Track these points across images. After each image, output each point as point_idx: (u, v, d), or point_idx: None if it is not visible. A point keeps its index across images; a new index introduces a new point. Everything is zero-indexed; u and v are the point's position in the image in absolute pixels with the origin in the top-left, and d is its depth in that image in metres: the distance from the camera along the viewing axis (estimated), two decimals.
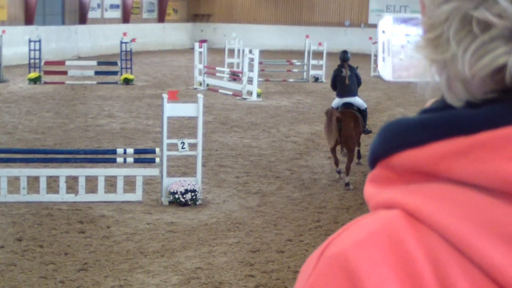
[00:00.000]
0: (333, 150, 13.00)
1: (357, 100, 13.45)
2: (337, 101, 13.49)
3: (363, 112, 13.40)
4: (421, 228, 0.83)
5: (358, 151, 14.11)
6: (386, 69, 1.04)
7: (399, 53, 1.03)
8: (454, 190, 0.83)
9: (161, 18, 52.35)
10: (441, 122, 0.86)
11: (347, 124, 12.53)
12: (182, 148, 11.32)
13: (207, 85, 26.53)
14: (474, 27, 0.82)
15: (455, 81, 0.86)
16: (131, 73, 28.15)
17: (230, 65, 31.32)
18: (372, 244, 0.84)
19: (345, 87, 13.52)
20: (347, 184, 12.47)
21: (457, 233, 0.81)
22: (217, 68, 27.82)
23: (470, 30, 0.83)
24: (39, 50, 27.58)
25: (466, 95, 0.86)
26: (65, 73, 27.39)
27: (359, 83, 13.95)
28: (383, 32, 1.04)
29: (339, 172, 13.08)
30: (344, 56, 13.97)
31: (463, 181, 0.82)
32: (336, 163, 13.05)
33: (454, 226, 0.81)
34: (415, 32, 1.03)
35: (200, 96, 11.38)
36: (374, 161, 0.92)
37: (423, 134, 0.87)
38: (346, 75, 13.70)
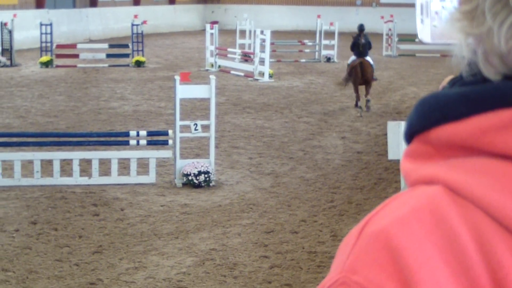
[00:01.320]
0: (356, 90, 18.14)
1: (368, 59, 18.50)
2: (353, 58, 18.51)
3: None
4: (464, 204, 0.82)
5: (368, 101, 18.24)
6: (425, 32, 1.02)
7: (434, 20, 1.01)
8: (497, 165, 0.81)
9: (172, 0, 52.25)
10: (483, 95, 0.84)
11: (366, 68, 18.06)
12: (195, 130, 11.31)
13: (219, 66, 26.49)
14: (510, 0, 0.80)
15: (491, 55, 0.84)
16: (143, 55, 28.13)
17: (242, 46, 31.25)
18: (414, 221, 0.83)
19: (360, 50, 18.36)
20: (368, 101, 18.14)
21: (501, 209, 0.79)
22: (229, 50, 27.79)
23: (506, 3, 0.81)
24: (51, 33, 27.56)
25: (503, 68, 0.84)
26: (76, 56, 27.41)
27: (370, 47, 18.74)
28: None
29: (359, 107, 17.88)
30: (360, 27, 19.20)
31: (506, 155, 0.81)
32: (358, 98, 18.03)
33: (498, 202, 0.79)
34: None
35: (212, 77, 11.35)
36: (410, 136, 0.91)
37: (464, 107, 0.85)
38: (361, 42, 18.41)
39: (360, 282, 0.84)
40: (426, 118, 0.88)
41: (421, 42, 1.24)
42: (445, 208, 0.82)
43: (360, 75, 17.94)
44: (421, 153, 0.88)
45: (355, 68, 18.04)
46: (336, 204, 10.43)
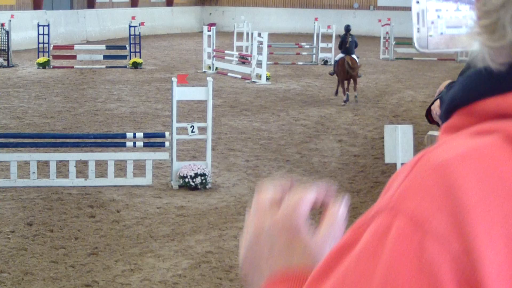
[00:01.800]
0: (342, 82, 19.94)
1: (354, 56, 20.14)
2: (341, 56, 20.09)
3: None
4: None
5: (355, 96, 20.15)
6: (421, 40, 1.03)
7: (430, 29, 1.02)
8: None
9: (169, 2, 52.26)
10: None
11: (354, 64, 19.63)
12: (192, 132, 11.31)
13: (216, 68, 26.49)
14: None
15: None
16: (140, 57, 28.13)
17: (239, 48, 31.28)
18: (476, 160, 0.84)
19: (347, 48, 20.14)
20: (356, 96, 20.07)
21: None
22: (226, 52, 27.80)
23: None
24: (48, 34, 27.56)
25: None
26: (74, 57, 27.40)
27: (356, 46, 20.40)
28: (417, 2, 1.03)
29: (347, 99, 19.72)
30: (347, 28, 20.92)
31: None
32: (344, 92, 19.86)
33: None
34: (447, 7, 1.01)
35: (210, 79, 11.34)
36: (451, 110, 0.92)
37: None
38: (348, 40, 20.20)
39: (407, 211, 0.84)
40: (472, 91, 0.90)
41: (417, 51, 1.23)
42: (505, 153, 0.84)
43: (345, 71, 19.61)
44: (463, 125, 0.90)
45: (341, 64, 19.67)
46: None
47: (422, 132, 14.46)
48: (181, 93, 11.28)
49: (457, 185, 0.82)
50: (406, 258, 0.82)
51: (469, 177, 0.82)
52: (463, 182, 0.82)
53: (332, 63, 22.57)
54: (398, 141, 8.30)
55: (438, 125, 4.01)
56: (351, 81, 19.81)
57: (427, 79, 25.97)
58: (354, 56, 20.07)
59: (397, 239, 0.84)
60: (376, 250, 0.85)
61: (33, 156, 11.17)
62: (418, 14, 1.02)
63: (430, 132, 4.96)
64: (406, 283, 0.82)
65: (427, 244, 0.82)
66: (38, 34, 27.68)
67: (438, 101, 3.99)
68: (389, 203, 0.87)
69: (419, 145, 12.50)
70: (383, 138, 9.22)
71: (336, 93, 20.38)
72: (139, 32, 28.52)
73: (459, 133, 0.90)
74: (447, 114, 0.93)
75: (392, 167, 9.01)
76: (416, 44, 1.04)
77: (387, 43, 33.54)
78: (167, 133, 11.63)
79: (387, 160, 8.54)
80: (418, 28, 1.02)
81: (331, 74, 21.07)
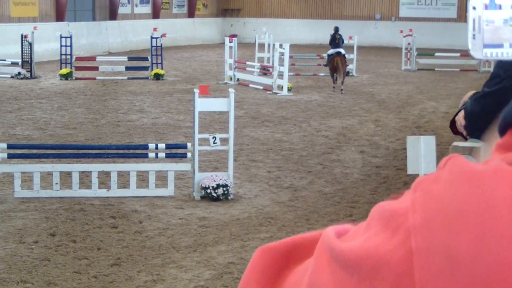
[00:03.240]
0: (332, 75, 25.36)
1: (342, 51, 24.96)
2: (332, 51, 25.09)
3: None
4: None
5: (341, 90, 24.50)
6: (476, 47, 1.02)
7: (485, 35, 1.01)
8: None
9: (191, 13, 52.43)
10: None
11: (343, 62, 24.78)
12: (214, 143, 11.31)
13: (238, 79, 26.52)
14: None
15: None
16: (162, 68, 28.21)
17: (261, 59, 31.30)
18: (502, 175, 0.84)
19: (337, 44, 25.21)
20: (342, 90, 24.53)
21: None
22: (248, 63, 27.83)
23: None
24: (70, 46, 27.70)
25: None
26: (96, 68, 27.53)
27: (343, 42, 25.54)
28: (474, 8, 1.02)
29: (334, 87, 24.98)
30: (336, 28, 26.12)
31: None
32: (333, 82, 25.22)
33: None
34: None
35: (231, 90, 11.35)
36: (505, 128, 0.91)
37: None
38: (337, 38, 25.34)
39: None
40: None
41: (472, 58, 1.22)
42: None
43: (336, 66, 24.73)
44: None
45: (334, 60, 24.78)
46: (355, 219, 10.39)
47: (444, 143, 14.40)
48: (203, 104, 11.30)
49: (489, 189, 0.83)
50: None
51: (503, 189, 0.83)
52: (497, 193, 0.82)
53: (327, 58, 25.78)
54: (421, 152, 8.25)
55: (462, 136, 3.99)
56: (341, 75, 24.79)
57: (450, 90, 25.87)
58: (342, 50, 25.08)
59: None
60: None
61: (56, 167, 11.22)
62: (474, 20, 1.02)
63: (455, 143, 4.91)
64: None
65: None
66: (61, 46, 27.82)
67: (462, 112, 3.96)
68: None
69: (441, 156, 12.42)
70: (405, 149, 9.17)
71: (335, 86, 25.18)
72: (161, 44, 28.60)
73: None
74: (501, 131, 0.93)
75: (415, 178, 8.98)
76: (471, 51, 1.03)
77: (409, 54, 33.45)
78: (189, 144, 11.64)
79: (410, 171, 8.47)
80: (473, 35, 1.01)
81: (325, 65, 26.55)
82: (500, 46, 1.01)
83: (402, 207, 0.88)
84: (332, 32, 26.12)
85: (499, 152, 0.91)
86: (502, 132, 0.93)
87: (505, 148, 0.91)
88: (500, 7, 1.01)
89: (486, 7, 1.01)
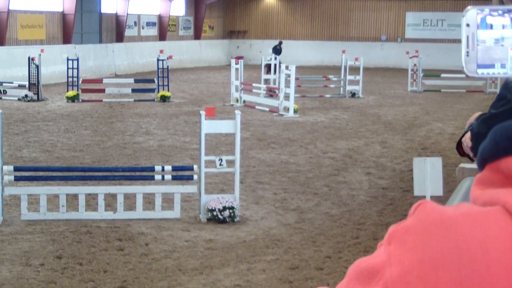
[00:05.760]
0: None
1: (278, 58, 30.87)
2: (273, 56, 31.20)
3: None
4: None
5: None
6: (470, 64, 1.01)
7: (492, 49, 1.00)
8: None
9: (197, 35, 52.60)
10: None
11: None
12: (220, 165, 11.31)
13: (244, 101, 26.55)
14: None
15: None
16: (168, 90, 28.26)
17: (267, 81, 31.36)
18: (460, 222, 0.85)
19: (278, 49, 35.78)
20: None
21: None
22: (254, 85, 27.87)
23: None
24: (77, 68, 27.80)
25: None
26: (102, 91, 27.60)
27: (281, 51, 36.01)
28: (468, 25, 1.01)
29: None
30: (280, 42, 39.60)
31: None
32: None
33: None
34: (505, 23, 1.00)
35: (238, 112, 11.35)
36: (483, 163, 0.91)
37: None
38: (278, 47, 36.96)
39: None
40: (497, 146, 0.89)
41: (466, 76, 1.21)
42: (494, 223, 0.83)
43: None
44: (493, 180, 0.89)
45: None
46: (362, 241, 10.36)
47: (451, 164, 14.38)
48: (209, 126, 11.30)
49: (460, 232, 0.84)
50: None
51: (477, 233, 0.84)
52: (472, 237, 0.84)
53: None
54: (427, 174, 8.24)
55: (469, 157, 3.98)
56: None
57: (456, 111, 25.86)
58: (278, 57, 31.31)
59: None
60: None
61: (63, 189, 11.22)
62: (467, 37, 1.01)
63: (462, 165, 4.91)
64: None
65: None
66: (68, 68, 27.91)
67: (469, 134, 3.96)
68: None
69: (448, 177, 12.43)
70: (411, 170, 9.16)
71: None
72: (167, 66, 28.67)
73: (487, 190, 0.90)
74: (479, 165, 0.93)
75: (421, 199, 8.95)
76: (464, 68, 1.02)
77: (415, 75, 33.48)
78: (195, 166, 11.64)
79: (416, 193, 8.47)
80: (467, 52, 1.01)
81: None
82: (491, 66, 1.01)
83: (379, 262, 0.89)
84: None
85: (478, 187, 0.91)
86: (480, 167, 0.93)
87: (483, 183, 0.91)
88: (491, 26, 1.01)
89: (477, 26, 1.01)
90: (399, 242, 0.87)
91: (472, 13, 1.01)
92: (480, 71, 1.01)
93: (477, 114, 4.09)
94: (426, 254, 0.83)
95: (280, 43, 40.67)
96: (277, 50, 37.99)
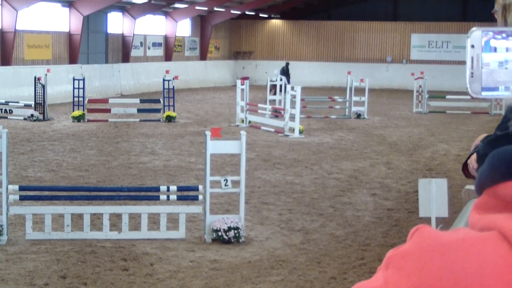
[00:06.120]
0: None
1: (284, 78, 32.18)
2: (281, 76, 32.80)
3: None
4: (510, 249, 0.82)
5: None
6: (474, 85, 1.01)
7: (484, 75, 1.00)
8: None
9: (203, 56, 52.75)
10: None
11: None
12: (225, 185, 11.30)
13: (249, 122, 26.58)
14: None
15: None
16: (174, 110, 28.31)
17: (272, 102, 31.39)
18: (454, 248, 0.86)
19: (284, 71, 38.55)
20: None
21: None
22: (259, 105, 27.91)
23: None
24: (83, 88, 27.87)
25: None
26: (108, 110, 27.67)
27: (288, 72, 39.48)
28: (472, 46, 1.01)
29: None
30: (287, 63, 41.40)
31: None
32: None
33: None
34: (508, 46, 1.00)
35: (243, 133, 11.36)
36: (481, 188, 0.91)
37: None
38: (285, 68, 39.42)
39: None
40: (495, 172, 0.89)
41: (471, 97, 1.20)
42: (489, 248, 0.83)
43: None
44: (490, 206, 0.89)
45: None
46: (367, 262, 10.34)
47: (456, 185, 14.36)
48: (215, 146, 11.31)
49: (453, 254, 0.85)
50: None
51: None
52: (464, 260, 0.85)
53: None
54: (433, 195, 8.23)
55: (475, 179, 3.98)
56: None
57: (461, 133, 25.85)
58: (284, 77, 32.22)
59: None
60: None
61: (68, 209, 11.22)
62: (472, 58, 1.01)
63: (468, 186, 4.90)
64: None
65: None
66: (74, 88, 27.99)
67: (474, 155, 3.96)
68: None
69: (453, 199, 12.40)
70: (417, 191, 9.15)
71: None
72: (173, 86, 28.74)
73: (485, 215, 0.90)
74: (477, 190, 0.93)
75: (427, 221, 8.95)
76: (469, 89, 1.02)
77: (420, 96, 33.50)
78: (200, 187, 11.63)
79: (422, 214, 8.46)
80: (471, 73, 1.01)
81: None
82: (496, 89, 1.01)
83: (376, 287, 0.89)
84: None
85: (477, 212, 0.92)
86: (479, 192, 0.93)
87: (482, 208, 0.91)
88: (495, 49, 1.01)
89: (482, 49, 1.01)
90: (396, 267, 0.87)
91: (477, 35, 1.01)
92: (484, 93, 1.01)
93: (482, 135, 4.09)
94: (422, 280, 0.83)
95: (287, 64, 41.99)
96: (284, 72, 39.19)
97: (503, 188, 0.87)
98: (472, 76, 1.01)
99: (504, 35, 1.00)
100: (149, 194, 12.17)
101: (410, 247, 0.87)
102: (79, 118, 26.82)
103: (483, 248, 0.83)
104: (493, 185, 0.89)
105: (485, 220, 0.88)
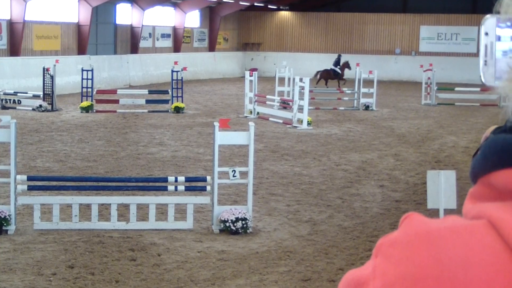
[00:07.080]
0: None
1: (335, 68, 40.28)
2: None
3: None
4: (496, 238, 0.81)
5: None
6: (488, 74, 1.00)
7: (498, 62, 0.99)
8: None
9: (211, 47, 52.70)
10: None
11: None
12: (233, 176, 11.30)
13: (258, 113, 26.56)
14: None
15: None
16: (182, 101, 28.29)
17: (281, 93, 31.36)
18: (442, 236, 0.86)
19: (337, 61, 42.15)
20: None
21: None
22: (268, 97, 27.88)
23: None
24: (92, 79, 27.87)
25: None
26: (116, 101, 27.68)
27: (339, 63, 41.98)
28: (486, 34, 1.00)
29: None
30: (339, 56, 42.91)
31: None
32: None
33: None
34: None
35: (252, 124, 11.35)
36: (475, 177, 0.91)
37: None
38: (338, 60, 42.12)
39: None
40: (487, 161, 0.89)
41: (483, 85, 1.18)
42: (478, 236, 0.83)
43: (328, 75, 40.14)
44: (483, 195, 0.89)
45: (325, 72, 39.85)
46: None
47: (465, 177, 14.32)
48: (223, 137, 11.30)
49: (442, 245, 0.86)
50: None
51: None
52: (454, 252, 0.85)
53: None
54: (441, 187, 8.21)
55: None
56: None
57: (470, 125, 25.79)
58: (334, 67, 39.24)
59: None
60: None
61: (76, 199, 11.24)
62: (486, 46, 1.00)
63: None
64: None
65: None
66: (82, 79, 27.98)
67: None
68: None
69: (462, 191, 12.38)
70: (425, 183, 9.13)
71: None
72: (182, 77, 28.71)
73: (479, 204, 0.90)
74: (472, 179, 0.93)
75: (435, 213, 8.93)
76: (482, 78, 1.01)
77: (428, 88, 33.42)
78: (208, 177, 11.64)
79: (430, 205, 8.44)
80: (485, 61, 1.00)
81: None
82: (499, 78, 0.99)
83: (364, 274, 0.91)
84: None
85: (470, 201, 0.92)
86: (473, 181, 0.93)
87: (475, 197, 0.91)
88: (499, 38, 1.00)
89: (496, 37, 1.00)
90: (384, 255, 0.87)
91: (491, 22, 1.00)
92: (498, 82, 1.00)
93: (492, 127, 4.07)
94: (408, 268, 0.83)
95: (339, 56, 43.66)
96: (337, 63, 42.38)
97: (495, 177, 0.87)
98: (485, 64, 1.00)
99: (508, 23, 0.99)
100: (157, 185, 12.18)
101: (398, 235, 0.88)
102: (87, 109, 26.84)
103: (470, 237, 0.83)
104: (486, 174, 0.88)
105: (476, 209, 0.88)
